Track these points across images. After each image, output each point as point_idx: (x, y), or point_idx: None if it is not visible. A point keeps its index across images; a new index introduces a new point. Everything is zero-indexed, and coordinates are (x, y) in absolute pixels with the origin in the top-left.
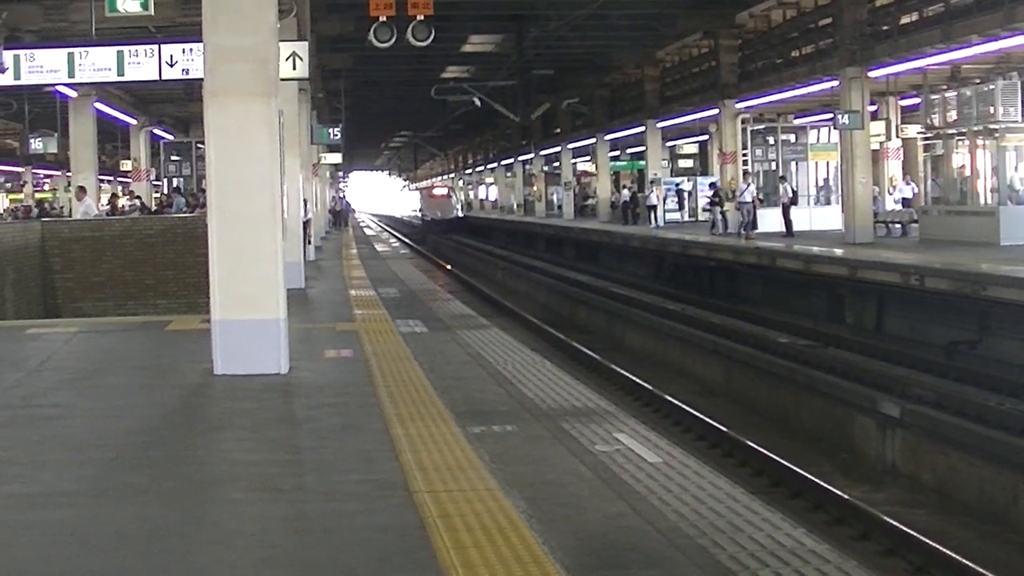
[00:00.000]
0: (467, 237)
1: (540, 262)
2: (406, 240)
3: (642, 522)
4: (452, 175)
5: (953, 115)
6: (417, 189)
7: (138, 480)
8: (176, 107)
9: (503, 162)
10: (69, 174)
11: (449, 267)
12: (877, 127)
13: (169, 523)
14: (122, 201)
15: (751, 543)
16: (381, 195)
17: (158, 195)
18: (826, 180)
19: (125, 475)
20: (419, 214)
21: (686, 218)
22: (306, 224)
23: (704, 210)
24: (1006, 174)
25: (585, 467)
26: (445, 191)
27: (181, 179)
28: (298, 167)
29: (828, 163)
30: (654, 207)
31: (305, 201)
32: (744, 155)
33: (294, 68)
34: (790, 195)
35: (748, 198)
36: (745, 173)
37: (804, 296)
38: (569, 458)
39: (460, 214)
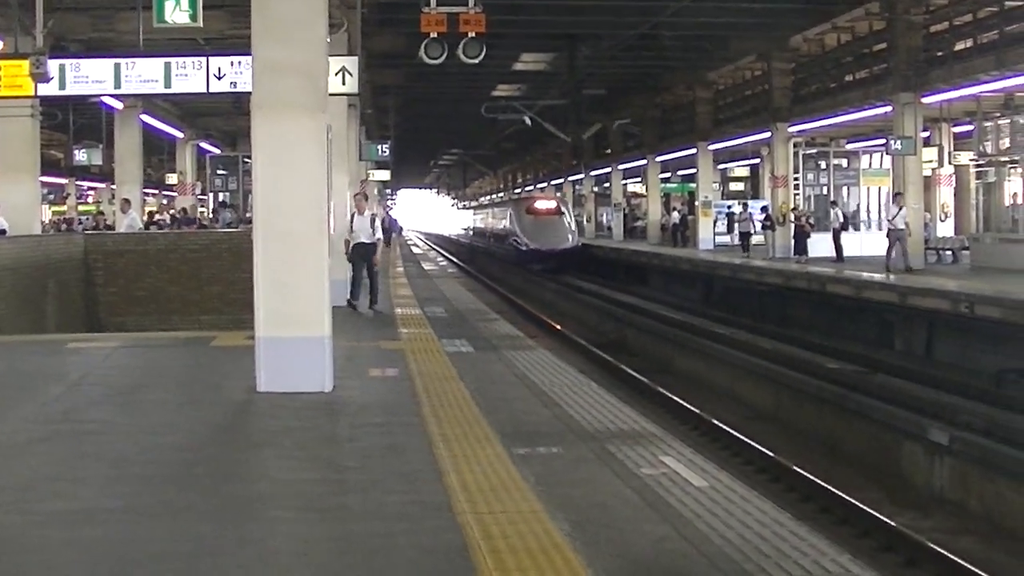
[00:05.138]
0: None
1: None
2: (454, 259)
3: (687, 546)
4: (543, 186)
5: (1006, 143)
6: (494, 204)
7: (180, 498)
8: (223, 121)
9: (553, 182)
10: (113, 187)
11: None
12: (929, 153)
13: (210, 542)
14: (158, 216)
15: (797, 569)
16: (430, 213)
17: (173, 211)
18: (858, 207)
19: (166, 492)
20: (514, 243)
21: (735, 241)
22: (374, 245)
23: (754, 233)
24: None
25: (631, 490)
26: (553, 204)
27: (227, 193)
28: (346, 183)
29: (880, 188)
30: (748, 234)
31: (374, 217)
32: (796, 179)
33: (343, 83)
34: (841, 220)
35: (901, 224)
36: (897, 195)
37: (854, 322)
38: (615, 481)
39: (576, 242)
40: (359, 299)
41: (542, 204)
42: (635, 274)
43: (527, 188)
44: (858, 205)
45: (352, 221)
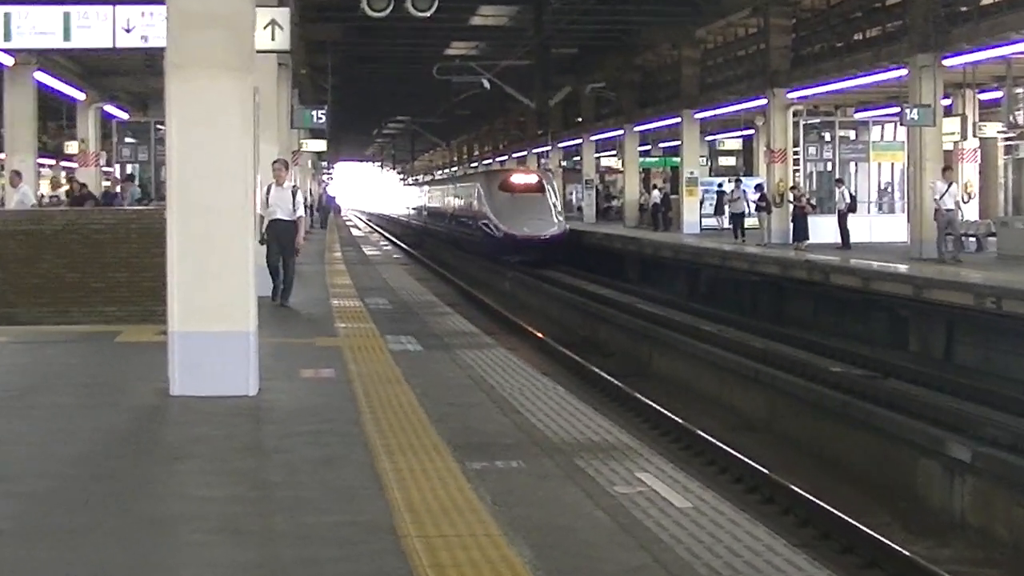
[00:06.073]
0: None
1: None
2: (399, 243)
3: None
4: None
5: None
6: (456, 179)
7: (79, 518)
8: (132, 81)
9: (515, 155)
10: (2, 156)
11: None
12: (951, 124)
13: (115, 570)
14: (42, 190)
15: None
16: (372, 190)
17: (67, 187)
18: (889, 184)
19: (64, 512)
20: (484, 228)
21: (726, 224)
22: (294, 224)
23: (748, 215)
24: None
25: (602, 511)
26: (534, 179)
27: (136, 165)
28: (275, 155)
29: (892, 165)
30: (740, 216)
31: (296, 189)
32: (795, 153)
33: (272, 39)
34: (848, 201)
35: (950, 203)
36: (946, 169)
37: (862, 319)
38: (583, 500)
39: (563, 227)
40: (285, 294)
41: (520, 178)
42: (608, 262)
43: (485, 161)
44: (888, 184)
45: (268, 194)
